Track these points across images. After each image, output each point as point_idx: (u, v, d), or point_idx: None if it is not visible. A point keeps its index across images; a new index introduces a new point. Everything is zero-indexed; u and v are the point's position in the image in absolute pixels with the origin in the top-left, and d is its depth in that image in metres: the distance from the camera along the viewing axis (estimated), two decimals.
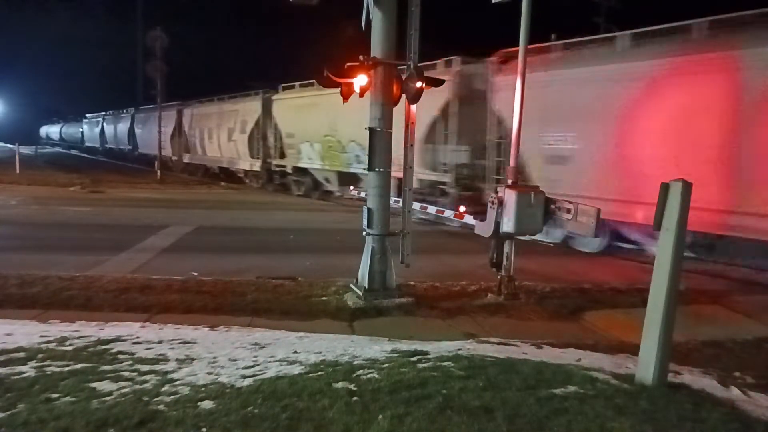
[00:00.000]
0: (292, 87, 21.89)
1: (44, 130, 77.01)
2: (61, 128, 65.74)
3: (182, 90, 32.39)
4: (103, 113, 48.31)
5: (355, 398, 3.72)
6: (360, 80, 7.01)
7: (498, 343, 5.69)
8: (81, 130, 56.10)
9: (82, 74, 71.94)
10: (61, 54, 70.87)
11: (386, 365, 4.47)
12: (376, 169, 7.30)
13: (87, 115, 54.69)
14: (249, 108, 24.14)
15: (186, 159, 31.55)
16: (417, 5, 7.02)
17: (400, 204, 7.74)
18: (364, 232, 7.47)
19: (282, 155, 22.18)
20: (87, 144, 53.90)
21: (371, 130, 7.21)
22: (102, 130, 47.64)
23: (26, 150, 40.86)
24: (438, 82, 7.71)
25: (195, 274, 8.44)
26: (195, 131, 29.58)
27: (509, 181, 7.59)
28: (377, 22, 7.07)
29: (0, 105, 66.23)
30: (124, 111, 42.65)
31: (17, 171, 26.01)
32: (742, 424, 3.65)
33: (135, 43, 50.74)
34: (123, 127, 41.14)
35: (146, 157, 35.98)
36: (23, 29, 72.03)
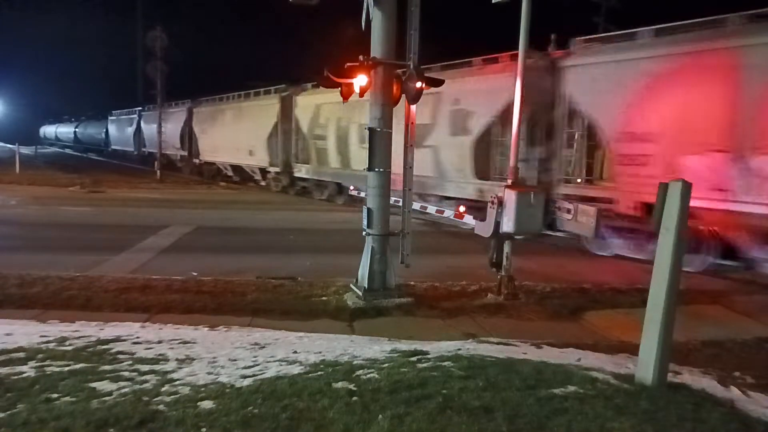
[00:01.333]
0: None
1: (52, 130, 68.75)
2: (76, 128, 56.29)
3: (182, 89, 31.96)
4: (140, 108, 36.93)
5: (355, 398, 3.72)
6: (360, 80, 7.01)
7: (498, 343, 5.69)
8: (104, 130, 45.68)
9: (82, 74, 71.78)
10: (61, 54, 70.79)
11: (386, 365, 4.47)
12: (376, 169, 7.30)
13: (114, 112, 43.99)
14: (484, 89, 12.37)
15: (302, 172, 20.59)
16: (417, 5, 7.02)
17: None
18: (364, 232, 7.47)
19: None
20: (114, 147, 43.38)
21: (371, 130, 7.21)
22: (138, 130, 36.11)
23: (26, 150, 40.71)
24: (438, 82, 7.71)
25: (195, 274, 8.44)
26: (325, 130, 18.37)
27: (509, 181, 7.60)
28: (377, 22, 7.07)
29: (0, 105, 66.04)
30: (174, 104, 31.73)
31: (17, 171, 26.02)
32: (742, 424, 3.66)
33: (135, 43, 49.55)
34: (173, 127, 30.70)
35: (212, 167, 27.54)
36: (23, 29, 71.99)
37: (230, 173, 26.12)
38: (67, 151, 58.66)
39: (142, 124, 35.57)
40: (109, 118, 44.82)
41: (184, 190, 23.60)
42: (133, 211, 16.23)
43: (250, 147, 23.07)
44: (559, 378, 4.22)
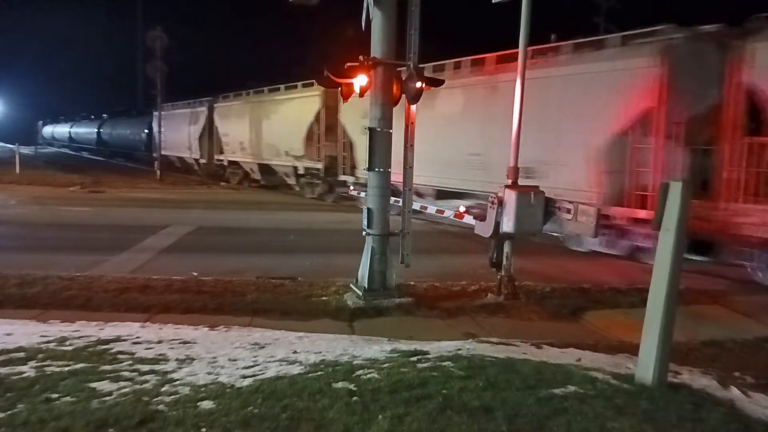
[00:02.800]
0: None
1: (63, 130, 60.32)
2: (100, 128, 46.95)
3: (183, 89, 31.59)
4: (209, 98, 26.13)
5: (355, 398, 3.72)
6: (360, 80, 7.01)
7: (498, 343, 5.69)
8: (145, 130, 34.47)
9: (83, 74, 71.80)
10: (62, 54, 70.89)
11: (386, 365, 4.47)
12: (376, 169, 7.30)
13: (163, 105, 30.45)
14: None
15: None
16: (417, 5, 7.02)
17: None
18: (364, 232, 7.47)
19: None
20: (164, 152, 30.20)
21: (371, 130, 7.21)
22: (209, 130, 25.67)
23: (26, 150, 40.48)
24: (438, 82, 7.72)
25: (195, 274, 8.44)
26: None
27: (509, 181, 7.59)
28: (377, 22, 7.07)
29: (0, 105, 66.01)
30: (285, 88, 20.81)
31: (17, 171, 26.01)
32: (742, 424, 3.66)
33: (135, 42, 48.99)
34: (286, 126, 19.94)
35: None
36: (23, 29, 72.17)
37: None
38: (84, 154, 50.62)
39: (218, 120, 24.34)
40: (155, 113, 32.47)
41: (184, 190, 23.57)
42: (133, 211, 16.23)
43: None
44: (559, 378, 4.22)
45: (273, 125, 21.10)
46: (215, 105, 25.28)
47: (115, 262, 9.39)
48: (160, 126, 28.49)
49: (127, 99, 49.23)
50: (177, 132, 29.17)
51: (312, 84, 18.38)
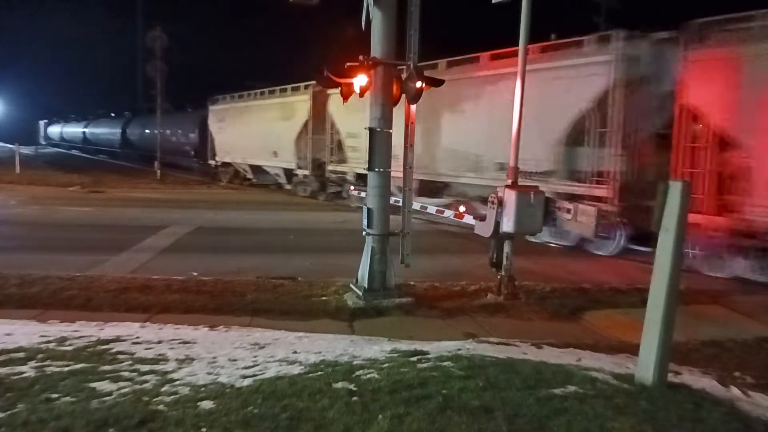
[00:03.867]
0: None
1: (75, 131, 54.23)
2: (125, 126, 39.86)
3: (183, 89, 31.28)
4: (312, 83, 17.58)
5: (355, 398, 3.72)
6: (360, 80, 7.01)
7: (498, 343, 5.69)
8: (196, 131, 27.31)
9: (83, 74, 71.69)
10: (62, 54, 70.84)
11: (386, 365, 4.47)
12: (376, 169, 7.30)
13: (222, 97, 25.29)
14: None
15: None
16: (417, 5, 7.02)
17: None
18: (364, 232, 7.47)
19: None
20: (225, 158, 24.97)
21: (371, 130, 7.21)
22: (312, 130, 18.48)
23: (26, 150, 40.30)
24: (438, 82, 7.71)
25: (195, 274, 8.44)
26: None
27: (509, 181, 7.59)
28: (377, 22, 7.07)
29: (0, 105, 65.96)
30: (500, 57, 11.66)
31: (17, 171, 26.00)
32: (742, 424, 3.65)
33: (135, 42, 48.40)
34: (489, 124, 11.80)
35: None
36: (23, 29, 72.20)
37: None
38: (101, 157, 44.03)
39: (336, 115, 17.11)
40: (211, 108, 25.53)
41: (184, 190, 23.56)
42: (133, 211, 16.23)
43: None
44: (559, 378, 4.22)
45: (467, 122, 12.86)
46: (330, 92, 16.54)
47: (115, 262, 9.39)
48: (203, 129, 26.62)
49: (128, 99, 48.94)
50: (245, 131, 22.02)
51: (581, 42, 10.63)
